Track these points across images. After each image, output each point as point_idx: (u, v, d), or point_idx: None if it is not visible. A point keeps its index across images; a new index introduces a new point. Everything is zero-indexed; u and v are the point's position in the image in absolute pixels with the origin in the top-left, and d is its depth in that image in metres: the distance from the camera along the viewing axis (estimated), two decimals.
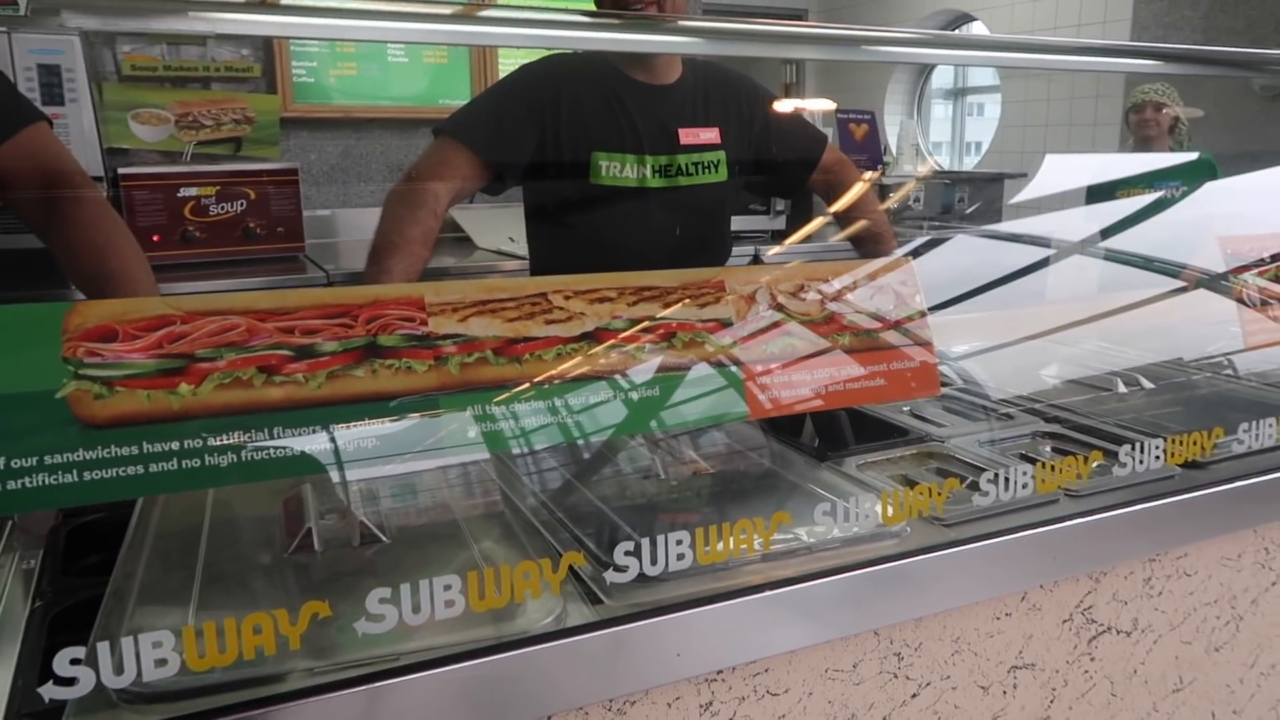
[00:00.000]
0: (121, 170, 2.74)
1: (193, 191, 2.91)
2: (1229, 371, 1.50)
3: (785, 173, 1.88)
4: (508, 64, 3.05)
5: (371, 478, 0.89)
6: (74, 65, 2.49)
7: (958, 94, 6.98)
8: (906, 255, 0.88)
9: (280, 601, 0.66)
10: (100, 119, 2.80)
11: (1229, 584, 1.12)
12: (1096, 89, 5.33)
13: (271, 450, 0.63)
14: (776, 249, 2.87)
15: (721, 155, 1.69)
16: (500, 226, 2.88)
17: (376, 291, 0.67)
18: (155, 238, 2.81)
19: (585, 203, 1.65)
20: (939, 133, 7.12)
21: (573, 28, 1.07)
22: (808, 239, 3.14)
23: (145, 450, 0.59)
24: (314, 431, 0.64)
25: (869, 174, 4.17)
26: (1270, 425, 1.08)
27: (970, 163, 6.71)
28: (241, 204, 3.01)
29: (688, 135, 1.66)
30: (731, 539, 0.76)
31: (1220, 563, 1.10)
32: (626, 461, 0.98)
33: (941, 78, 6.98)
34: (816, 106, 6.27)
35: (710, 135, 1.68)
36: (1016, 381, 1.49)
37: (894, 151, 4.99)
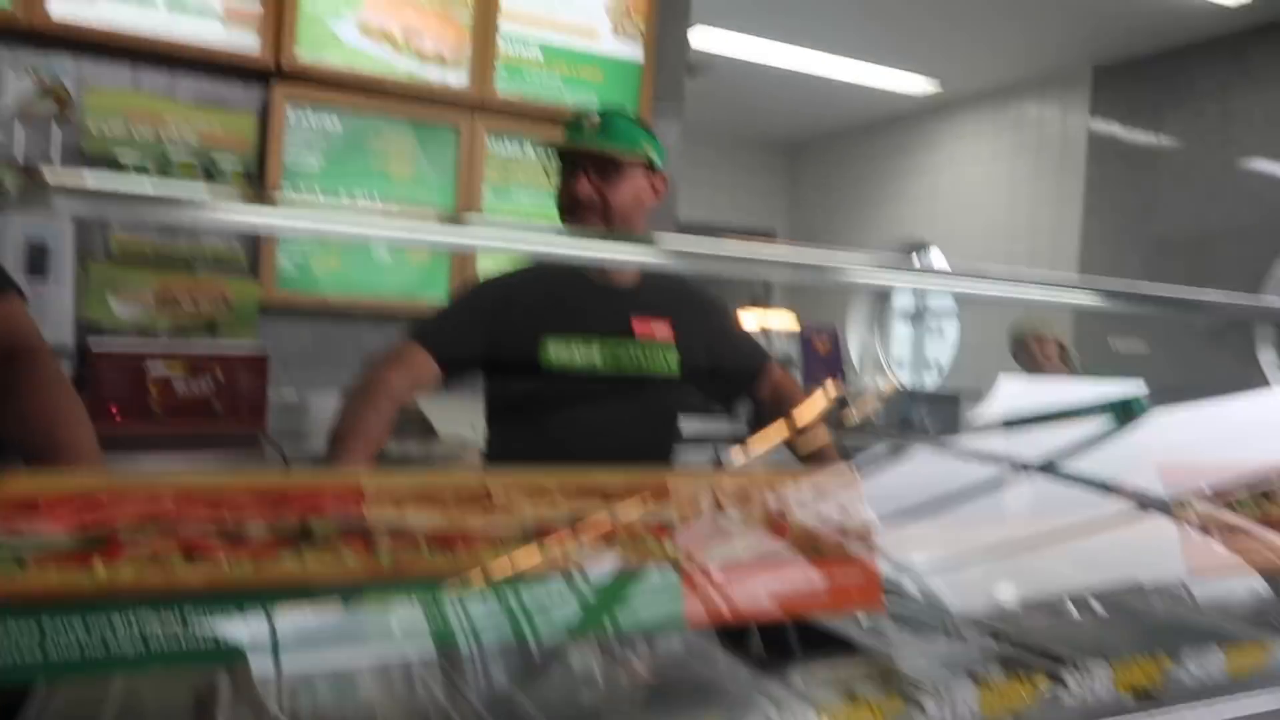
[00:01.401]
0: (93, 343, 2.76)
1: (161, 369, 2.93)
2: (1186, 598, 1.50)
3: (726, 382, 1.95)
4: (485, 264, 3.17)
5: (294, 674, 0.85)
6: (62, 247, 2.56)
7: (917, 316, 7.29)
8: (853, 467, 0.89)
9: None
10: (82, 294, 2.85)
11: None
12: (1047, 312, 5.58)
13: (186, 637, 0.61)
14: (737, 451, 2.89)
15: (673, 353, 1.79)
16: (462, 416, 2.90)
17: (314, 478, 0.67)
18: (114, 411, 2.80)
19: (536, 389, 1.73)
20: (901, 351, 7.37)
21: (545, 234, 1.13)
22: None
23: (49, 630, 0.56)
24: (233, 619, 0.62)
25: (824, 391, 4.29)
26: (1219, 656, 1.07)
27: (931, 380, 6.91)
28: (208, 383, 3.03)
29: (640, 327, 1.77)
30: None
31: None
32: (562, 664, 0.95)
33: (903, 300, 7.32)
34: (779, 325, 6.52)
35: (663, 331, 1.79)
36: (970, 598, 1.47)
37: (857, 367, 5.15)
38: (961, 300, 6.44)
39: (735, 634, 1.17)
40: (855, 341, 6.81)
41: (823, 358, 4.47)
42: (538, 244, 1.12)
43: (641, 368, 1.75)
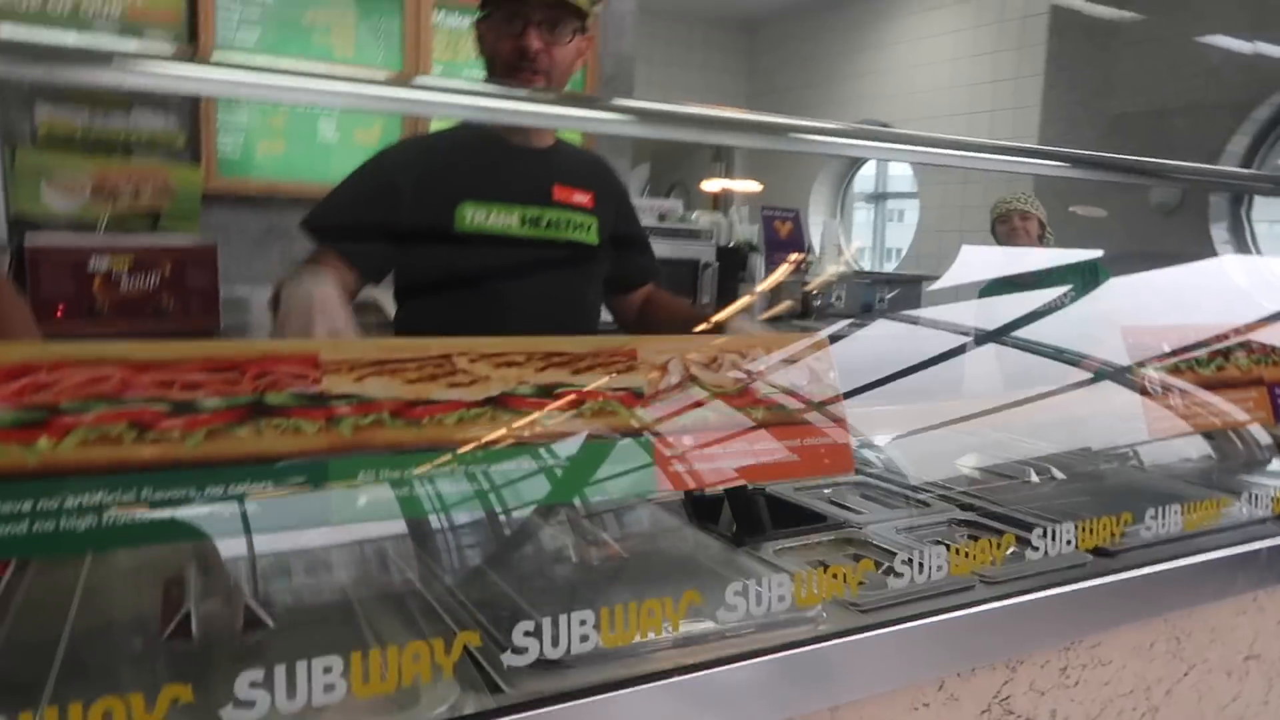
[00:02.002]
0: (29, 238, 2.65)
1: (104, 264, 2.82)
2: (1135, 462, 1.53)
3: (621, 275, 1.83)
4: None
5: (260, 552, 0.83)
6: None
7: (878, 198, 7.26)
8: (824, 337, 0.88)
9: (141, 689, 0.60)
10: (9, 184, 2.71)
11: (1143, 674, 1.11)
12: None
13: (141, 515, 0.58)
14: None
15: (594, 220, 1.69)
16: None
17: (267, 347, 0.63)
18: (60, 311, 2.71)
19: (451, 256, 1.61)
20: (862, 238, 7.36)
21: (501, 98, 1.07)
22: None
23: None
24: (190, 495, 0.59)
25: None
26: (1176, 513, 1.10)
27: (891, 267, 6.93)
28: (155, 279, 2.92)
29: (561, 192, 1.65)
30: (638, 621, 0.72)
31: (1133, 652, 1.10)
32: (534, 540, 0.94)
33: (863, 183, 7.27)
34: (743, 188, 6.41)
35: (584, 198, 1.68)
36: (933, 469, 1.49)
37: (817, 250, 5.13)
38: (921, 183, 6.40)
39: (709, 513, 1.17)
40: (817, 225, 6.78)
41: (783, 240, 4.44)
42: (496, 105, 1.06)
43: (563, 234, 1.64)
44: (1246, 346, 1.28)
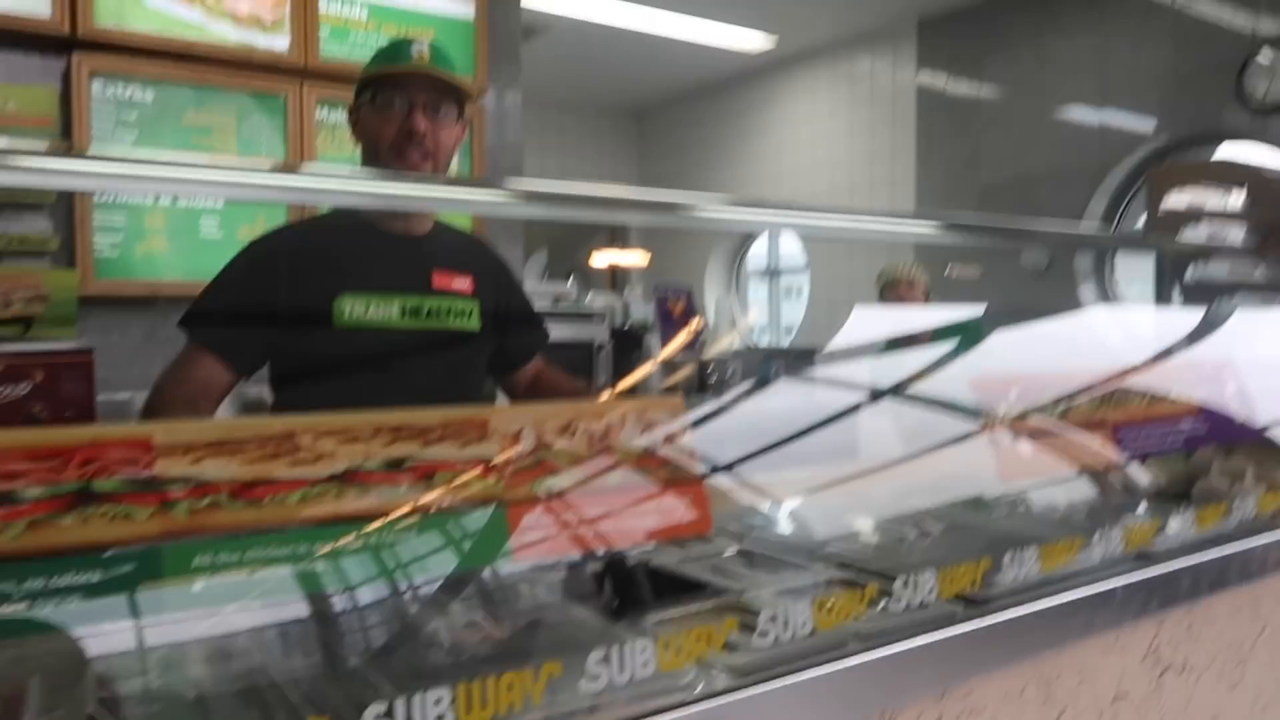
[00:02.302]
0: None
1: None
2: (1023, 509, 1.59)
3: (508, 353, 1.83)
4: None
5: (99, 651, 0.79)
6: None
7: (772, 274, 7.48)
8: (678, 398, 0.90)
9: None
10: None
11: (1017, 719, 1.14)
12: None
13: None
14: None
15: (474, 305, 1.68)
16: None
17: (97, 432, 0.62)
18: None
19: (330, 353, 1.58)
20: (758, 313, 7.54)
21: (391, 182, 1.08)
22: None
23: None
24: (9, 590, 0.57)
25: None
26: (1034, 556, 1.14)
27: (788, 342, 7.11)
28: (27, 387, 2.81)
29: (440, 279, 1.64)
30: (497, 696, 0.72)
31: (1005, 698, 1.12)
32: (387, 615, 0.92)
33: (756, 260, 7.48)
34: (635, 263, 6.51)
35: (463, 283, 1.68)
36: (821, 529, 1.52)
37: (712, 326, 5.23)
38: (810, 257, 6.63)
39: (587, 585, 1.17)
40: (712, 301, 6.92)
41: (677, 318, 4.52)
42: (383, 190, 1.06)
43: (443, 323, 1.63)
44: (1093, 390, 1.35)
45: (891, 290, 3.71)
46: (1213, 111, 4.46)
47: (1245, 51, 4.31)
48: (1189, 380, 1.47)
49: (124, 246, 2.98)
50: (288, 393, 1.64)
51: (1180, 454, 1.53)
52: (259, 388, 3.07)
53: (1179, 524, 1.26)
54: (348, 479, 0.69)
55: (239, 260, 1.65)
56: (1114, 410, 1.32)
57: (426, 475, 0.73)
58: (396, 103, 1.59)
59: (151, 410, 1.51)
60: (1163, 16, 4.63)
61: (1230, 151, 4.50)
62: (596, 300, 4.40)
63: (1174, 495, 1.45)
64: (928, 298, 3.71)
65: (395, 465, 0.72)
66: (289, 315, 1.55)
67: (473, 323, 1.68)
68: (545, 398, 1.83)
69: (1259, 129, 4.31)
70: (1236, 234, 1.82)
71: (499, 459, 0.76)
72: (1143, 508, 1.40)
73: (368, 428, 0.72)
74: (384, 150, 1.61)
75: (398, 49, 1.63)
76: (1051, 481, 1.37)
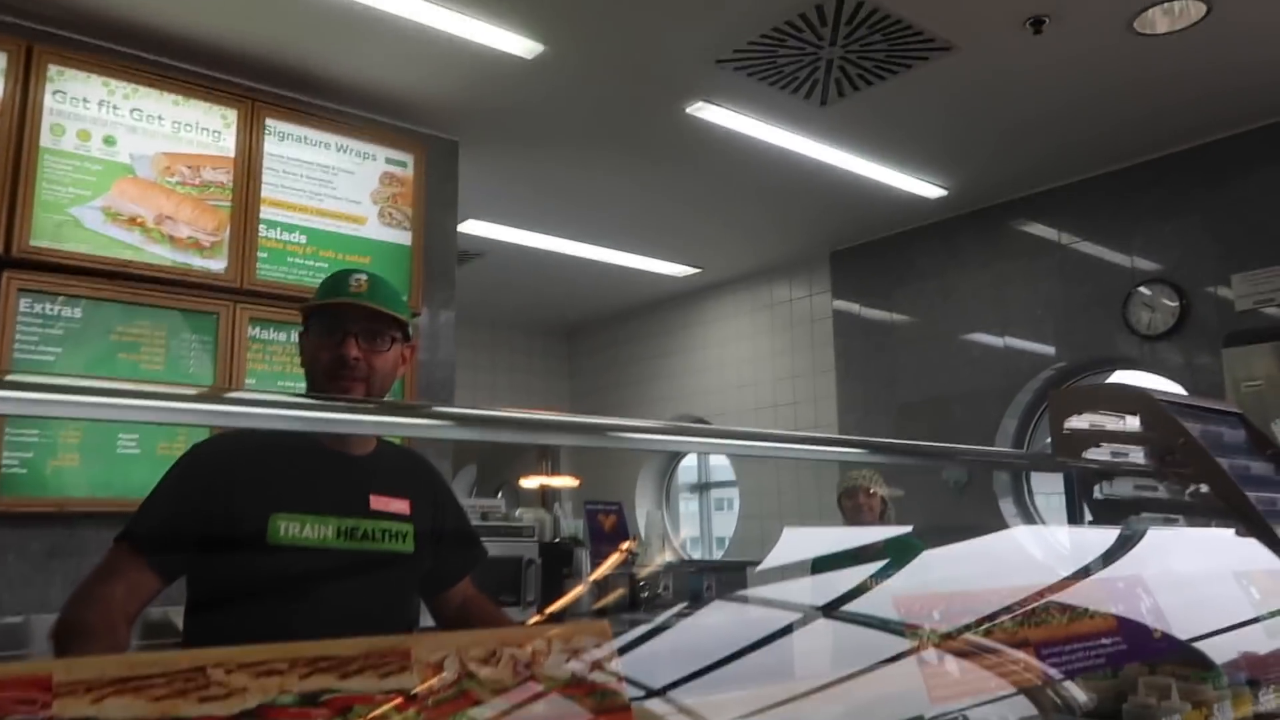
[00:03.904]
0: None
1: None
2: None
3: (441, 571, 1.82)
4: None
5: None
6: None
7: (701, 488, 7.52)
8: (605, 623, 0.89)
9: None
10: None
11: None
12: (818, 480, 5.92)
13: None
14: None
15: (410, 528, 1.67)
16: None
17: None
18: None
19: (261, 569, 1.54)
20: (690, 527, 7.52)
21: (319, 409, 1.09)
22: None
23: None
24: None
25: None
26: None
27: (720, 554, 7.05)
28: None
29: (378, 502, 1.64)
30: None
31: None
32: None
33: (686, 474, 7.54)
34: (565, 484, 6.50)
35: (401, 506, 1.67)
36: None
37: (644, 540, 5.20)
38: (739, 472, 6.71)
39: None
40: (643, 516, 6.89)
41: (608, 533, 4.48)
42: (311, 419, 1.08)
43: (379, 545, 1.62)
44: (1014, 609, 1.37)
45: (850, 498, 3.75)
46: (1104, 339, 4.80)
47: (1126, 285, 4.70)
48: (1106, 597, 1.50)
49: (33, 463, 2.88)
50: (208, 616, 1.57)
51: (1107, 671, 1.54)
52: (163, 609, 2.90)
53: None
54: (260, 715, 0.66)
55: (175, 467, 1.64)
56: (1035, 629, 1.34)
57: (344, 709, 0.70)
58: (332, 331, 1.65)
59: (71, 616, 1.44)
60: (1050, 254, 5.06)
61: (1122, 377, 4.80)
62: (526, 515, 4.36)
63: (1106, 713, 1.44)
64: (885, 508, 3.75)
65: (311, 700, 0.69)
66: (221, 527, 1.52)
67: (407, 544, 1.67)
68: (473, 626, 1.78)
69: (1148, 355, 4.63)
70: (1136, 454, 1.92)
71: (420, 689, 0.74)
72: None
73: (284, 659, 0.69)
74: (320, 376, 1.65)
75: (337, 280, 1.70)
76: (981, 701, 1.36)
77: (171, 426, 2.96)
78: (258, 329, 3.30)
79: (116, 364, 3.01)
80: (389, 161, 3.75)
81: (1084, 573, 1.66)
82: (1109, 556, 1.75)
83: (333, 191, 3.56)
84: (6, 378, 0.80)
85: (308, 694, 0.69)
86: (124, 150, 3.14)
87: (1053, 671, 1.31)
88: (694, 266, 6.39)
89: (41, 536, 2.97)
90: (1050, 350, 5.02)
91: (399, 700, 0.73)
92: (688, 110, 4.03)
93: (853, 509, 3.76)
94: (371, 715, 0.71)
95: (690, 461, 7.48)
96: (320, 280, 3.44)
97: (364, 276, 1.69)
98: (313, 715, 0.68)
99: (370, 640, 0.74)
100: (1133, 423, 1.98)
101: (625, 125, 4.20)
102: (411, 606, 1.75)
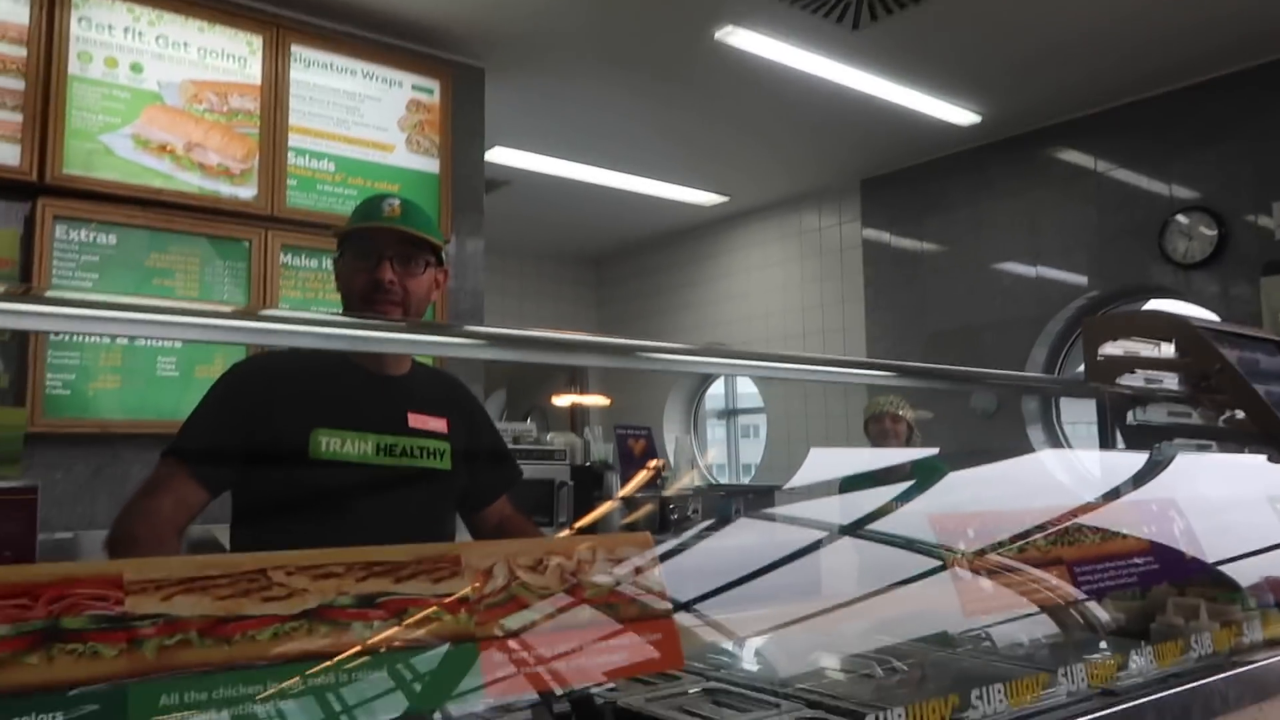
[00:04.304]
0: None
1: None
2: (988, 644, 1.58)
3: (478, 490, 1.85)
4: None
5: None
6: None
7: (729, 414, 7.56)
8: (647, 534, 0.91)
9: None
10: None
11: None
12: (846, 406, 5.93)
13: None
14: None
15: (447, 447, 1.71)
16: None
17: (66, 570, 0.61)
18: None
19: (303, 484, 1.58)
20: (717, 453, 7.59)
21: (354, 328, 1.11)
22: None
23: None
24: None
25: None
26: (999, 693, 1.14)
27: (747, 480, 7.12)
28: None
29: (416, 420, 1.69)
30: None
31: None
32: None
33: (714, 401, 7.58)
34: (596, 404, 6.55)
35: (438, 425, 1.72)
36: (788, 668, 1.50)
37: (672, 465, 5.25)
38: (766, 398, 6.73)
39: None
40: (671, 441, 6.95)
41: (638, 457, 4.53)
42: (346, 337, 1.09)
43: (417, 462, 1.66)
44: (1047, 529, 1.38)
45: (877, 423, 3.77)
46: (1139, 268, 4.73)
47: (1163, 214, 4.61)
48: (1137, 519, 1.51)
49: (75, 385, 2.95)
50: (251, 527, 1.62)
51: (1135, 592, 1.55)
52: (206, 526, 2.99)
53: (1140, 661, 1.27)
54: (320, 615, 0.69)
55: (218, 384, 1.68)
56: (1069, 548, 1.35)
57: (399, 611, 0.72)
58: (367, 256, 1.67)
59: (122, 530, 1.49)
60: (1085, 181, 4.96)
61: (1157, 305, 4.74)
62: (557, 439, 4.41)
63: (1133, 632, 1.46)
64: (911, 432, 3.76)
65: (368, 601, 0.71)
66: (265, 442, 1.57)
67: (444, 462, 1.71)
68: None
69: (1183, 285, 4.56)
70: (1170, 381, 1.91)
71: (471, 594, 0.76)
72: (1103, 644, 1.41)
73: (340, 563, 0.72)
74: (356, 299, 1.68)
75: (370, 205, 1.72)
76: (1013, 618, 1.38)
77: (209, 347, 3.01)
78: (289, 255, 3.32)
79: (151, 290, 3.05)
80: (415, 88, 3.71)
81: (1114, 495, 1.67)
82: (1140, 480, 1.76)
83: (360, 119, 3.54)
84: (49, 294, 0.82)
85: (365, 596, 0.71)
86: (151, 78, 3.13)
87: (1085, 590, 1.33)
88: (722, 194, 6.32)
89: (86, 456, 3.05)
90: (1083, 279, 4.96)
91: (450, 604, 0.75)
92: (716, 35, 3.94)
93: (879, 433, 3.77)
94: (423, 618, 0.73)
95: (717, 389, 7.51)
96: (351, 207, 3.44)
97: (397, 201, 1.71)
98: (370, 616, 0.71)
99: (422, 546, 0.76)
100: (1168, 349, 1.97)
101: (653, 51, 4.12)
102: (448, 523, 1.80)
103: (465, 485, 1.79)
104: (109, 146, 3.02)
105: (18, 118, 2.88)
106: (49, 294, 0.81)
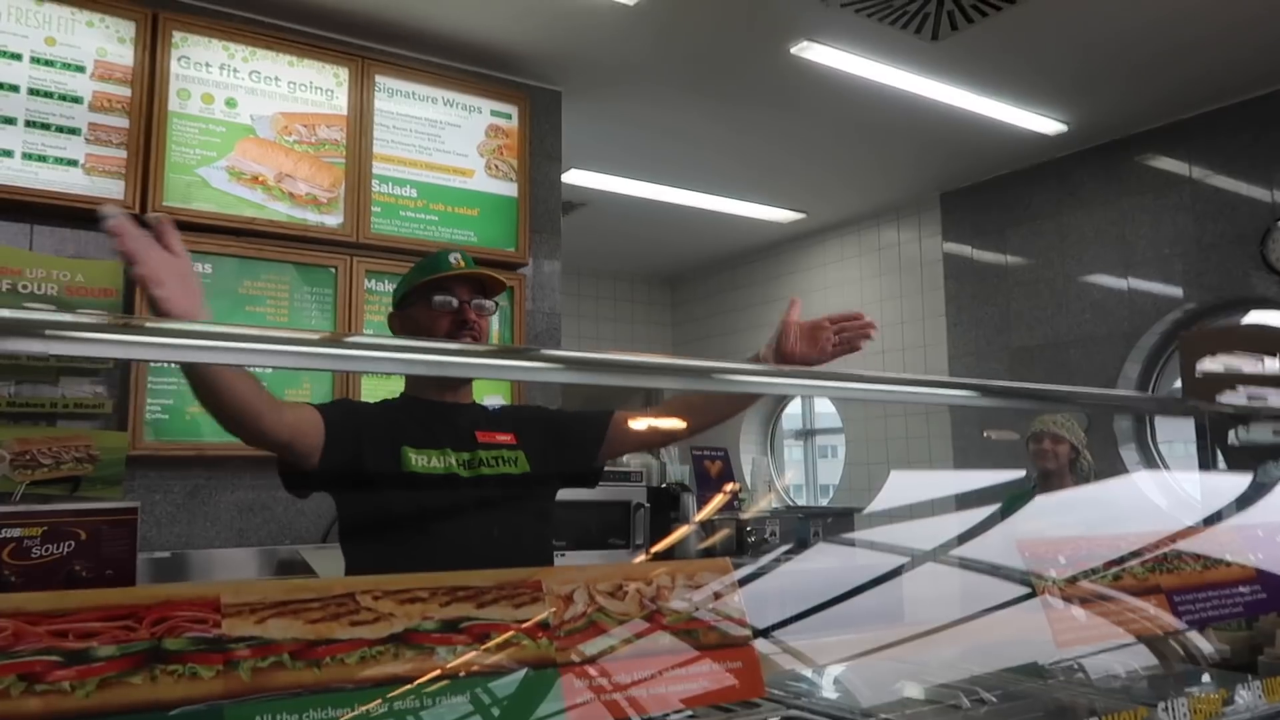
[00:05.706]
0: None
1: (15, 533, 2.74)
2: (1080, 675, 1.53)
3: (577, 454, 1.97)
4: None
5: None
6: None
7: (807, 435, 7.47)
8: (726, 560, 0.90)
9: None
10: None
11: None
12: (927, 427, 5.81)
13: None
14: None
15: (520, 454, 1.86)
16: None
17: (168, 592, 0.64)
18: None
19: (399, 494, 1.74)
20: (794, 474, 7.49)
21: (443, 354, 1.13)
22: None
23: None
24: None
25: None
26: None
27: (825, 502, 7.01)
28: (69, 545, 2.84)
29: (484, 436, 1.85)
30: None
31: None
32: None
33: (791, 421, 7.50)
34: (666, 425, 6.54)
35: (505, 437, 1.87)
36: (870, 696, 1.48)
37: (749, 486, 5.21)
38: (845, 419, 6.64)
39: None
40: (748, 463, 6.90)
41: (714, 479, 4.51)
42: (431, 360, 1.12)
43: (495, 470, 1.80)
44: (1143, 555, 1.33)
45: (1037, 442, 3.65)
46: (1239, 278, 4.53)
47: (1265, 221, 4.41)
48: (1242, 545, 1.44)
49: (173, 409, 3.07)
50: (364, 548, 1.78)
51: (1241, 622, 1.48)
52: (293, 547, 3.07)
53: (1248, 696, 1.21)
54: (405, 640, 0.70)
55: (341, 404, 1.90)
56: (1167, 575, 1.30)
57: (481, 636, 0.73)
58: (448, 303, 1.84)
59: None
60: (1180, 189, 4.78)
61: (1259, 318, 4.53)
62: (633, 460, 4.42)
63: (1239, 665, 1.40)
64: (1077, 455, 3.62)
65: (452, 626, 0.72)
66: (366, 459, 1.71)
67: (520, 467, 1.85)
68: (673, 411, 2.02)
69: None
70: (1275, 398, 1.82)
71: (551, 620, 0.77)
72: (1206, 677, 1.35)
73: (425, 588, 0.73)
74: (440, 340, 1.80)
75: (437, 259, 1.90)
76: (1108, 648, 1.33)
77: (297, 373, 3.11)
78: (373, 281, 3.41)
79: (244, 317, 3.17)
80: (494, 114, 3.79)
81: (1216, 519, 1.60)
82: (1244, 503, 1.68)
83: (440, 145, 3.62)
84: (149, 324, 0.85)
85: (448, 621, 0.73)
86: (245, 111, 3.26)
87: (1186, 620, 1.27)
88: (799, 211, 6.28)
89: (182, 478, 3.17)
90: (1178, 291, 4.77)
91: (531, 629, 0.76)
92: (792, 51, 3.93)
93: (1037, 454, 3.64)
94: (506, 642, 0.74)
95: (795, 409, 7.43)
96: (432, 232, 3.51)
97: (459, 254, 1.89)
98: (454, 641, 0.72)
99: (503, 572, 0.77)
100: (1271, 364, 1.88)
101: (728, 69, 4.13)
102: (545, 528, 1.92)
103: (556, 479, 1.92)
104: (205, 179, 3.15)
105: (122, 154, 3.03)
106: (149, 324, 0.85)
